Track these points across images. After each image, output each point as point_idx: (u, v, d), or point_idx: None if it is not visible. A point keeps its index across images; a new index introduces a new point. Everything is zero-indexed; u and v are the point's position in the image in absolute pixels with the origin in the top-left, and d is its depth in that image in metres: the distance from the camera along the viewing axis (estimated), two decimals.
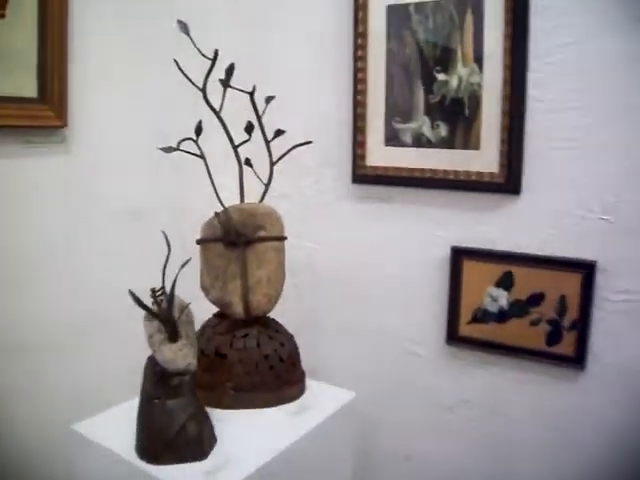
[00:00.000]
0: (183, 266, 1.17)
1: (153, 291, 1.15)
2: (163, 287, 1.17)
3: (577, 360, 1.43)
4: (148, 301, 1.16)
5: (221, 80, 1.40)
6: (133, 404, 1.33)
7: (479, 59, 1.44)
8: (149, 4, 1.60)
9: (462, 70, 1.47)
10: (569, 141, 1.39)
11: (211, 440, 1.22)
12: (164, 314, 1.16)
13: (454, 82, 1.48)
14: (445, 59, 1.48)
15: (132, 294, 1.12)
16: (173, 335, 1.17)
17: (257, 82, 1.40)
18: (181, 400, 1.17)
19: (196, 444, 1.18)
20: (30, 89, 1.35)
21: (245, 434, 1.28)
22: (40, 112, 1.36)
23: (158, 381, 1.17)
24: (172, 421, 1.16)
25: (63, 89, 1.39)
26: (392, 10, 1.52)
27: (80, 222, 1.49)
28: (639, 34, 1.28)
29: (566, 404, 1.46)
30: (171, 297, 1.17)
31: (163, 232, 1.19)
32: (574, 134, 1.39)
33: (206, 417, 1.23)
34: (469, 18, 1.43)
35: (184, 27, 1.41)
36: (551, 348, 1.46)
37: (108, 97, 1.51)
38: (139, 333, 1.17)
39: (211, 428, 1.23)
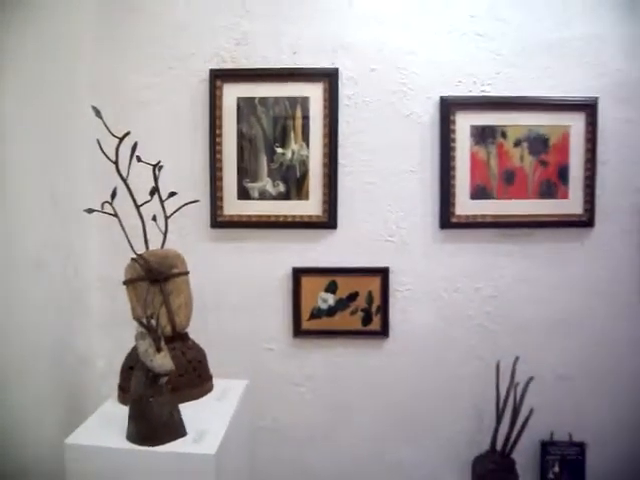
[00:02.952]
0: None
1: (148, 317, 1.55)
2: (152, 314, 1.58)
3: (383, 332, 2.21)
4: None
5: (137, 157, 1.81)
6: (97, 415, 1.68)
7: (306, 139, 2.13)
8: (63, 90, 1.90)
9: (295, 146, 2.14)
10: (364, 193, 2.18)
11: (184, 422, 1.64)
12: (155, 332, 1.56)
13: (289, 154, 2.14)
14: (282, 138, 2.13)
15: (139, 321, 1.51)
16: (159, 347, 1.58)
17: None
18: (165, 396, 1.58)
19: (180, 425, 1.60)
20: None
21: (197, 417, 1.70)
22: None
23: (150, 384, 1.56)
24: (164, 412, 1.56)
25: None
26: (241, 101, 2.12)
27: None
28: (411, 129, 2.13)
29: (379, 363, 2.23)
30: (157, 320, 1.58)
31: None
32: (367, 188, 2.18)
33: (178, 406, 1.65)
34: (299, 111, 2.12)
35: (97, 112, 1.79)
36: (366, 327, 2.21)
37: (32, 174, 1.78)
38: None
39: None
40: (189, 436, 1.60)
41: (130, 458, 1.54)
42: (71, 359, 2.05)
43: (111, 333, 2.23)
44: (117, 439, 1.57)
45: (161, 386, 1.57)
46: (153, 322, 1.57)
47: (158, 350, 1.57)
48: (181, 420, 1.61)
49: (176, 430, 1.58)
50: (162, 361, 1.56)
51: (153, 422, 1.55)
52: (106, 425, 1.65)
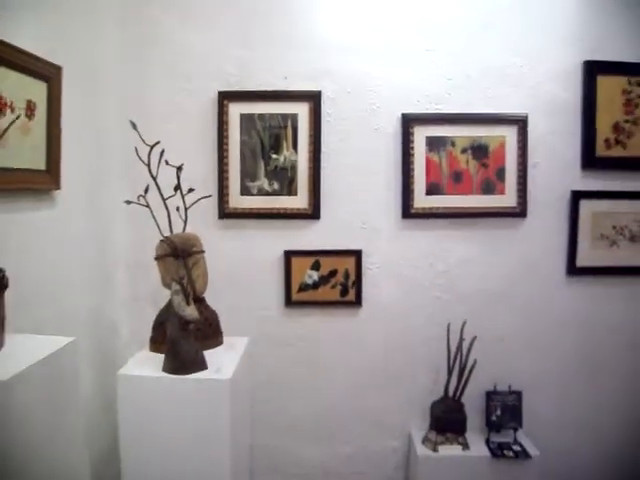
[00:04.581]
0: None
1: (180, 278, 2.07)
2: (184, 277, 2.09)
3: (357, 302, 2.75)
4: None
5: (165, 161, 2.32)
6: (136, 358, 2.17)
7: (295, 146, 2.67)
8: (107, 111, 2.43)
9: (286, 152, 2.67)
10: (342, 190, 2.71)
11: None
12: (186, 289, 2.08)
13: (281, 159, 2.67)
14: (276, 146, 2.67)
15: (177, 281, 2.03)
16: (188, 301, 2.09)
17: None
18: (192, 338, 2.10)
19: (203, 362, 2.11)
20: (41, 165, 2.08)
21: (213, 359, 2.21)
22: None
23: (181, 329, 2.07)
24: (191, 350, 2.07)
25: (58, 168, 2.14)
26: (244, 117, 2.65)
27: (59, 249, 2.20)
28: (378, 139, 2.68)
29: (354, 327, 2.76)
30: (187, 280, 2.10)
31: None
32: (345, 186, 2.71)
33: (201, 348, 2.16)
34: (289, 124, 2.66)
35: (134, 125, 2.29)
36: (343, 298, 2.74)
37: (80, 175, 2.30)
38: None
39: None
40: (209, 370, 2.11)
41: (167, 384, 2.05)
42: (102, 327, 2.56)
43: (133, 308, 2.74)
44: (155, 371, 2.08)
45: (189, 331, 2.08)
46: (185, 282, 2.09)
47: (188, 303, 2.08)
48: (203, 358, 2.12)
49: (200, 364, 2.10)
50: (191, 312, 2.07)
51: (183, 357, 2.06)
52: (144, 364, 2.16)
